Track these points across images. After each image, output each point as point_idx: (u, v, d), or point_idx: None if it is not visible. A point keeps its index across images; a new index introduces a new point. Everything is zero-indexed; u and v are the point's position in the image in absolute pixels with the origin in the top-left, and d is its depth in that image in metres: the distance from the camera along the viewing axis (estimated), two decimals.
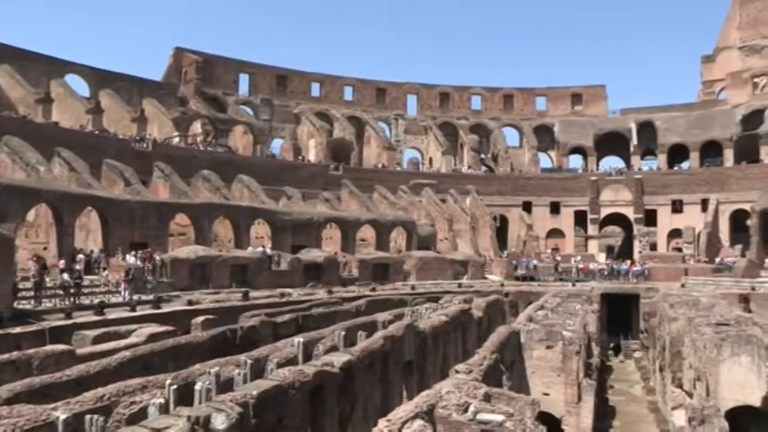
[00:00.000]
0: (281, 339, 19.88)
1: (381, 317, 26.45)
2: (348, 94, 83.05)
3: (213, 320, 24.09)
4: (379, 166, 74.44)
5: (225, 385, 12.86)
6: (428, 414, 12.22)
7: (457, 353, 26.23)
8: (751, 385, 22.08)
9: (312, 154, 72.69)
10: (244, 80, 77.29)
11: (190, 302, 29.29)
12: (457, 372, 16.64)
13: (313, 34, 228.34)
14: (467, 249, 59.07)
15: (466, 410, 12.58)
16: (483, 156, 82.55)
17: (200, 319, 24.15)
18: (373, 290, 40.36)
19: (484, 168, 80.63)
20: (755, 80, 78.06)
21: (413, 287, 44.17)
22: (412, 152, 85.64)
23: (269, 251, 41.38)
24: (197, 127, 65.73)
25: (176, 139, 60.98)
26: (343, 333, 20.26)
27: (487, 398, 14.06)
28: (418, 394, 13.58)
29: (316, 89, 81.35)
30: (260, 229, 48.09)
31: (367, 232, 52.94)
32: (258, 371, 14.93)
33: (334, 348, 18.87)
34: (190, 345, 18.78)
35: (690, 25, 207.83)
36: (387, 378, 18.63)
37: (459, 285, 47.48)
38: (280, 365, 15.18)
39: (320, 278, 41.00)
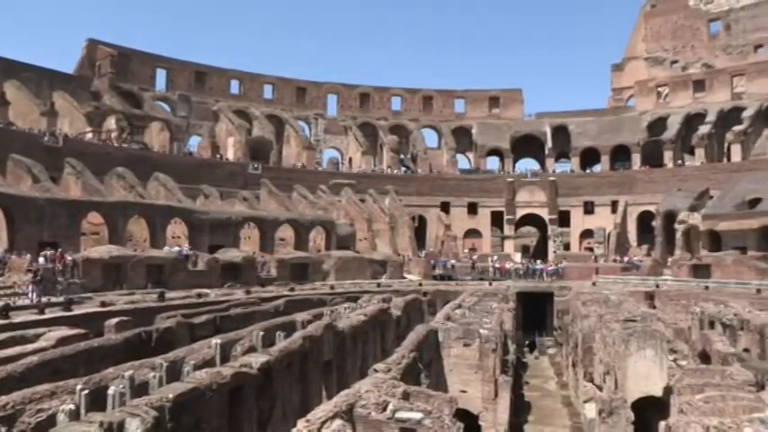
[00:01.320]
0: (199, 341, 19.56)
1: (300, 317, 26.35)
2: (268, 92, 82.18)
3: (128, 322, 23.40)
4: (299, 165, 74.03)
5: (140, 389, 12.56)
6: (347, 413, 12.29)
7: (376, 352, 26.40)
8: (654, 377, 23.17)
9: (231, 152, 71.54)
10: (161, 75, 75.31)
11: (103, 304, 28.38)
12: (376, 371, 16.77)
13: (233, 31, 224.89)
14: (386, 249, 59.44)
15: (385, 409, 12.71)
16: (402, 156, 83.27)
17: (114, 321, 23.42)
18: (292, 290, 40.12)
19: (403, 169, 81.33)
20: (659, 89, 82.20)
21: (332, 287, 44.12)
22: (332, 152, 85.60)
23: (186, 251, 40.55)
24: (111, 122, 63.53)
25: (89, 135, 58.85)
26: (261, 333, 20.11)
27: (406, 396, 14.25)
28: (337, 394, 13.62)
29: (235, 86, 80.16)
30: (176, 229, 47.01)
31: (286, 232, 52.56)
32: (174, 373, 14.68)
33: (252, 349, 18.72)
34: (102, 348, 18.20)
35: (601, 35, 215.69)
36: (306, 378, 18.61)
37: (378, 285, 47.70)
38: (197, 367, 14.95)
39: (238, 278, 40.46)
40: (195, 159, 67.55)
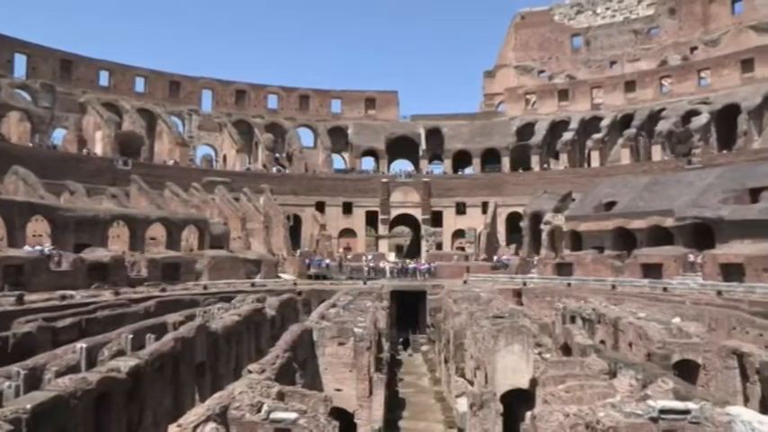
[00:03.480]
0: (62, 346, 18.62)
1: (172, 318, 25.70)
2: (140, 85, 78.89)
3: None
4: (171, 162, 71.69)
5: None
6: (221, 416, 12.15)
7: (250, 353, 26.15)
8: (521, 370, 24.34)
9: (99, 147, 68.14)
10: (20, 61, 70.21)
11: None
12: (250, 371, 16.66)
13: (103, 20, 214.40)
14: (260, 248, 58.77)
15: (259, 410, 12.67)
16: (278, 155, 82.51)
17: None
18: (163, 290, 38.88)
19: (278, 168, 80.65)
20: (527, 96, 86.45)
21: (205, 287, 43.16)
22: (206, 149, 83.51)
23: (48, 250, 38.30)
24: None
25: None
26: (130, 336, 19.47)
27: (281, 396, 14.25)
28: (211, 396, 13.41)
29: (104, 78, 76.32)
30: (38, 227, 44.26)
31: (157, 230, 50.79)
32: (34, 382, 13.95)
33: (121, 353, 18.07)
34: None
35: (475, 43, 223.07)
36: (178, 381, 18.17)
37: (253, 285, 47.16)
38: (59, 374, 14.27)
39: (106, 279, 38.68)
40: (60, 153, 63.75)
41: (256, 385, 14.26)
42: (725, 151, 64.80)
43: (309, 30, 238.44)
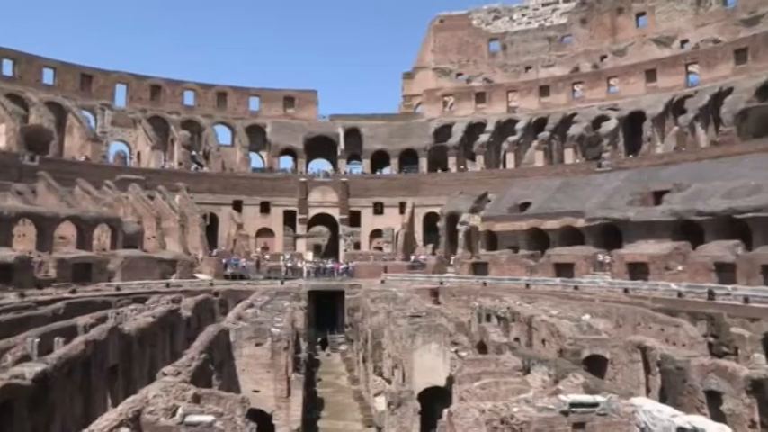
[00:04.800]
0: None
1: (82, 320, 24.85)
2: (48, 77, 75.47)
3: None
4: (82, 158, 69.04)
5: None
6: (134, 421, 11.87)
7: (165, 355, 25.59)
8: (438, 369, 24.82)
9: (2, 141, 64.92)
10: None
11: None
12: (164, 374, 16.33)
13: (7, 6, 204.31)
14: (176, 248, 57.43)
15: (174, 414, 12.45)
16: (194, 153, 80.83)
17: None
18: (73, 291, 37.49)
19: (195, 166, 78.99)
20: (445, 98, 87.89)
21: (118, 288, 41.89)
22: (119, 145, 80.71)
23: None
24: None
25: None
26: (36, 340, 18.72)
27: (197, 399, 14.03)
28: (124, 401, 13.05)
29: (8, 68, 72.58)
30: None
31: (67, 229, 48.86)
32: None
33: (26, 358, 17.35)
34: None
35: (395, 44, 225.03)
36: (89, 386, 17.59)
37: (168, 285, 46.12)
38: None
39: (11, 280, 36.85)
40: None
41: (171, 388, 13.99)
42: (631, 156, 67.73)
43: (228, 26, 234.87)
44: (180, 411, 12.43)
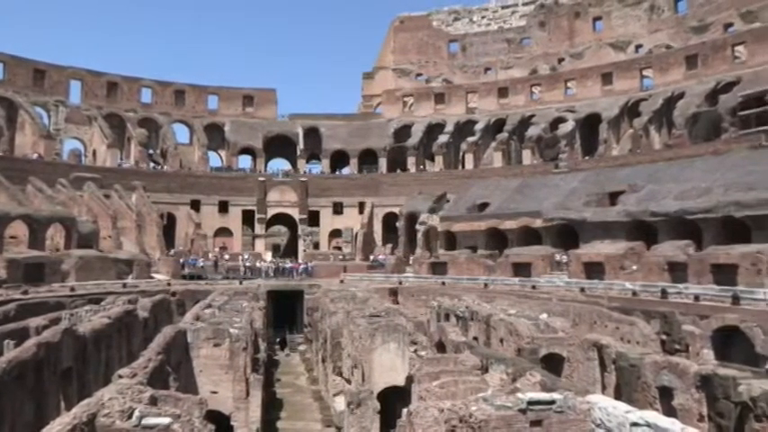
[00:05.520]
0: None
1: (34, 322, 24.33)
2: None
3: None
4: (35, 155, 67.43)
5: None
6: (88, 425, 11.67)
7: (121, 356, 25.21)
8: (397, 368, 24.93)
9: None
10: None
11: None
12: (120, 376, 16.08)
13: None
14: (132, 248, 56.53)
15: (130, 417, 12.28)
16: (151, 151, 79.69)
17: None
18: (25, 293, 36.60)
19: (152, 164, 77.84)
20: (405, 99, 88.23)
21: (72, 288, 41.04)
22: (74, 143, 79.02)
23: None
24: None
25: None
26: None
27: (154, 401, 13.86)
28: (78, 404, 12.82)
29: None
30: None
31: (18, 229, 47.66)
32: None
33: None
34: None
35: (355, 44, 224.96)
36: (41, 390, 17.22)
37: (124, 285, 45.42)
38: None
39: None
40: None
41: (127, 390, 13.78)
42: (588, 157, 68.83)
43: (187, 23, 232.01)
44: (136, 414, 12.27)
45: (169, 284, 49.05)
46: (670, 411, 17.67)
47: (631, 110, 70.19)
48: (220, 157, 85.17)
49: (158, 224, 63.01)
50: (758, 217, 37.68)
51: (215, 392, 22.38)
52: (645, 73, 72.33)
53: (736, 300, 30.96)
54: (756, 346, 27.62)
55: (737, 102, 54.48)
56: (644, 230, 44.71)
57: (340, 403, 25.33)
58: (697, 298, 33.21)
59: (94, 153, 76.01)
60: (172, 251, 62.32)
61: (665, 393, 19.24)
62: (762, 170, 41.65)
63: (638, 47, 77.58)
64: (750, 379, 17.12)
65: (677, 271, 38.50)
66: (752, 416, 16.12)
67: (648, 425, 11.50)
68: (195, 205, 72.36)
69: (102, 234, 54.62)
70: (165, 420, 12.07)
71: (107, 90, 79.99)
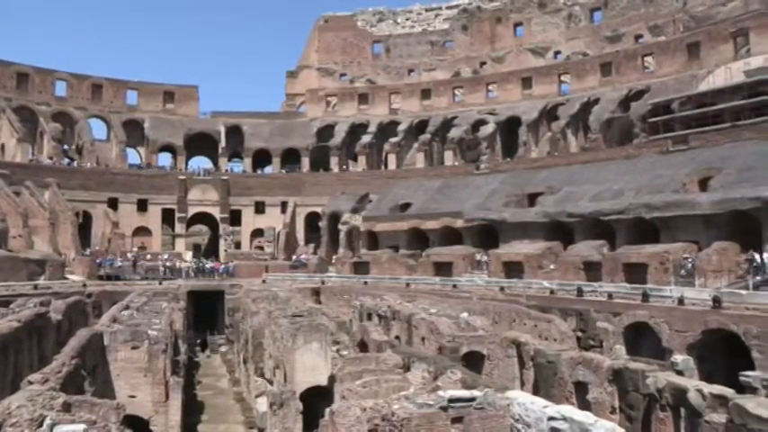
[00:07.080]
0: None
1: None
2: None
3: None
4: None
5: None
6: None
7: (32, 362, 24.22)
8: (320, 368, 24.96)
9: None
10: None
11: None
12: (30, 383, 15.49)
13: None
14: (45, 248, 54.41)
15: (41, 424, 11.88)
16: (66, 147, 76.79)
17: None
18: None
19: (66, 161, 75.07)
20: (329, 99, 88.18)
21: None
22: None
23: None
24: None
25: None
26: None
27: (67, 407, 13.44)
28: None
29: None
30: None
31: None
32: None
33: None
34: None
35: (279, 43, 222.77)
36: None
37: (36, 287, 43.66)
38: None
39: None
40: None
41: (38, 397, 13.31)
42: (508, 159, 70.43)
43: (106, 13, 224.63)
44: (47, 422, 11.85)
45: (85, 285, 47.54)
46: (585, 405, 18.34)
47: (550, 113, 72.22)
48: (139, 155, 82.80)
49: (73, 223, 60.84)
50: (665, 218, 39.59)
51: (133, 396, 21.85)
52: (563, 78, 74.63)
53: (645, 297, 32.35)
54: (663, 341, 29.06)
55: (647, 109, 56.83)
56: (561, 231, 46.15)
57: (262, 404, 25.09)
58: (610, 296, 34.54)
59: (3, 147, 72.67)
60: (88, 251, 60.33)
61: (581, 388, 19.95)
62: (668, 174, 43.75)
63: (557, 53, 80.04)
64: (657, 372, 17.97)
65: (592, 270, 39.93)
66: (657, 406, 16.94)
67: (564, 418, 11.94)
68: (113, 203, 70.12)
69: (11, 233, 52.36)
70: (80, 427, 11.72)
71: (17, 81, 76.44)
